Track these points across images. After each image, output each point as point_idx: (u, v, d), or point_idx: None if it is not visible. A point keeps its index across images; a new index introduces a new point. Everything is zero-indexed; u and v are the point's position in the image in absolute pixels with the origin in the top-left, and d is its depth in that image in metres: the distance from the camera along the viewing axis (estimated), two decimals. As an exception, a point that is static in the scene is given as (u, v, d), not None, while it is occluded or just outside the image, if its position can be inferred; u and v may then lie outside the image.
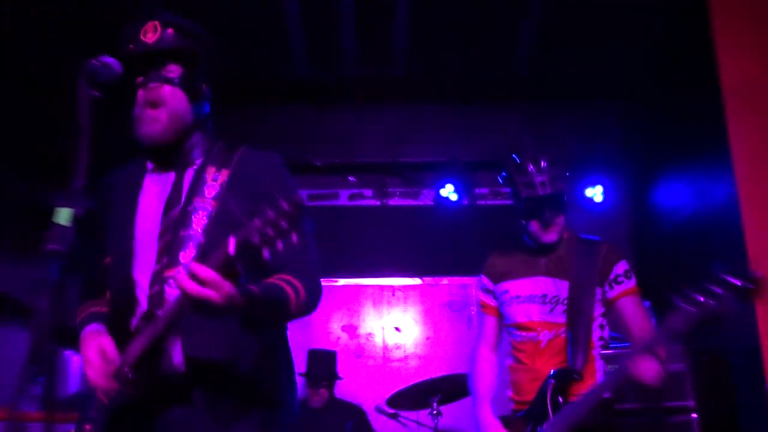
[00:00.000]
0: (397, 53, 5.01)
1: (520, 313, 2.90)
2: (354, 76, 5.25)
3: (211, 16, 4.43)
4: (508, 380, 2.99)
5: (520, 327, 2.89)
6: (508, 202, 5.49)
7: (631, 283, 2.87)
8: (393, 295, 6.34)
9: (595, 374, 2.82)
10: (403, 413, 4.76)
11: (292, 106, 5.45)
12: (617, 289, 2.86)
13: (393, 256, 5.91)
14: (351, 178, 5.44)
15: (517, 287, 2.93)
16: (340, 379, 5.17)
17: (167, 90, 1.99)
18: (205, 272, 1.58)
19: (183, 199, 2.00)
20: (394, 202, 5.59)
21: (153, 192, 2.04)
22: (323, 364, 5.08)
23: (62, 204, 1.67)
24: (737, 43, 3.77)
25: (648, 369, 2.49)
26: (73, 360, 6.00)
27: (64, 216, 1.65)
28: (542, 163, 2.87)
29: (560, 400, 2.71)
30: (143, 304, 1.92)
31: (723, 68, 3.73)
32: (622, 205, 5.57)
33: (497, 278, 3.01)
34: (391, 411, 4.70)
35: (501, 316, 3.02)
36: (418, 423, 4.75)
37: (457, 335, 6.12)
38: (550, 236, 2.88)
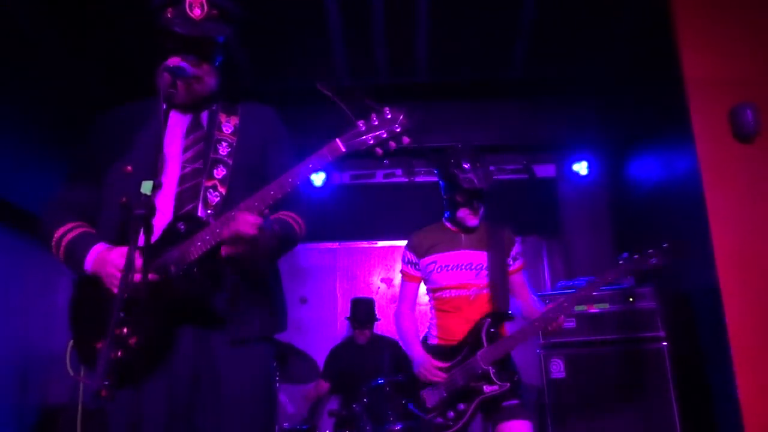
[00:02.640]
0: (419, 63, 4.89)
1: (451, 278, 2.88)
2: (386, 82, 5.14)
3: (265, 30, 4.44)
4: (434, 326, 2.97)
5: (452, 288, 2.88)
6: (509, 176, 5.45)
7: (521, 262, 3.01)
8: (420, 253, 6.28)
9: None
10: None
11: (337, 107, 5.38)
12: (515, 265, 2.98)
13: (419, 221, 5.84)
14: (385, 161, 5.36)
15: (444, 258, 2.91)
16: (379, 320, 5.13)
17: (206, 68, 1.91)
18: (255, 219, 1.63)
19: (205, 130, 1.93)
20: (419, 179, 5.50)
21: (175, 124, 1.92)
22: (364, 309, 5.03)
23: (146, 177, 1.62)
24: (697, 39, 3.60)
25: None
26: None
27: (147, 187, 1.59)
28: (477, 163, 2.88)
29: (493, 331, 2.75)
30: (168, 203, 1.79)
31: (685, 60, 3.57)
32: (603, 176, 5.43)
33: (423, 253, 2.97)
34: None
35: (422, 282, 3.03)
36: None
37: (472, 284, 6.05)
38: (474, 221, 2.90)
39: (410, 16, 4.32)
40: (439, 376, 2.76)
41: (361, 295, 5.61)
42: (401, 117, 1.68)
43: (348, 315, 5.10)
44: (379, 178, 5.45)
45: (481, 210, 2.93)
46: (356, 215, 5.77)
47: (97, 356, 1.65)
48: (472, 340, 2.77)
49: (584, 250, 5.27)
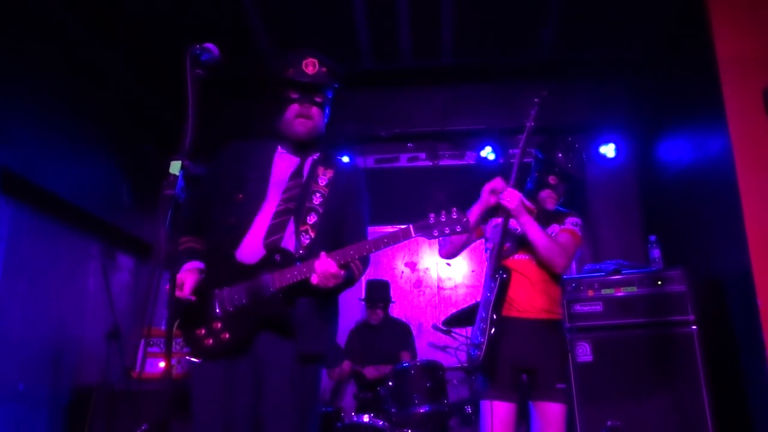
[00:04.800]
0: (444, 45, 4.83)
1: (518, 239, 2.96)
2: (410, 65, 5.10)
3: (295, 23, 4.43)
4: None
5: (519, 249, 2.94)
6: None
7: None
8: (445, 237, 6.27)
9: None
10: (455, 330, 4.72)
11: (363, 90, 5.36)
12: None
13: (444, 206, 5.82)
14: (409, 145, 5.36)
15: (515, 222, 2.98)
16: (393, 302, 5.12)
17: (315, 111, 2.33)
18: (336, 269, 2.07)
19: (305, 179, 2.34)
20: (443, 162, 5.47)
21: (282, 164, 2.36)
22: (378, 290, 5.02)
23: (175, 158, 1.64)
24: (729, 17, 3.51)
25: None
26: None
27: (175, 167, 1.62)
28: (577, 155, 3.06)
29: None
30: (261, 230, 2.20)
31: (717, 39, 3.48)
32: (631, 159, 5.31)
33: (493, 212, 3.02)
34: (445, 328, 4.65)
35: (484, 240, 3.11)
36: (466, 337, 4.68)
37: (496, 269, 6.02)
38: (552, 206, 2.98)
39: (435, -4, 4.28)
40: None
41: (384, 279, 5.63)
42: (464, 220, 2.07)
43: (362, 296, 5.10)
44: (403, 161, 5.43)
45: (561, 199, 3.02)
46: (380, 199, 5.72)
47: (197, 342, 2.14)
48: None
49: (611, 233, 5.19)
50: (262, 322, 2.13)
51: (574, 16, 4.43)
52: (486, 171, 5.53)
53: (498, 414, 2.72)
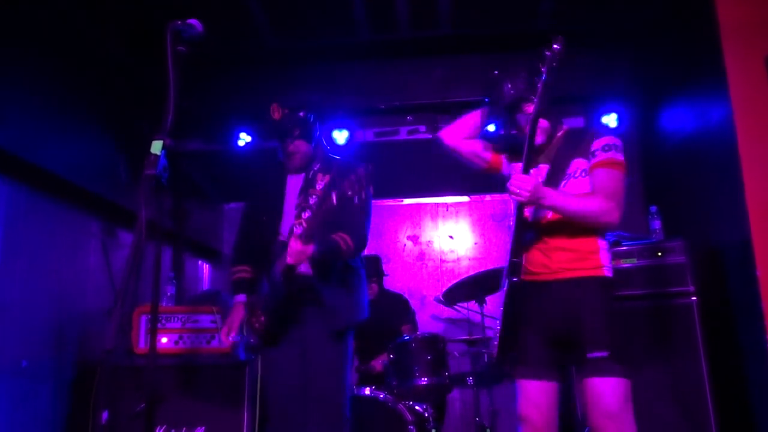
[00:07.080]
0: (442, 15, 4.75)
1: None
2: (408, 37, 5.01)
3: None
4: None
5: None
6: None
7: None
8: (447, 210, 6.28)
9: None
10: (457, 305, 4.72)
11: (360, 62, 5.29)
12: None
13: (446, 178, 5.78)
14: (408, 118, 5.30)
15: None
16: (386, 275, 5.11)
17: (298, 143, 2.98)
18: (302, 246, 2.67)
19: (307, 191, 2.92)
20: (444, 135, 5.42)
21: (292, 184, 3.04)
22: (370, 265, 4.81)
23: (156, 137, 1.63)
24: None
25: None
26: (203, 266, 6.11)
27: (157, 146, 1.62)
28: (517, 77, 2.69)
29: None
30: (283, 237, 2.95)
31: (719, 5, 3.42)
32: (633, 128, 5.22)
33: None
34: (445, 300, 4.66)
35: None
36: (468, 309, 4.70)
37: (499, 241, 6.05)
38: (544, 137, 2.61)
39: (432, -35, 4.20)
40: None
41: (388, 253, 5.64)
42: None
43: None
44: (403, 135, 5.37)
45: (547, 125, 2.58)
46: (381, 173, 5.69)
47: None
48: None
49: (613, 204, 5.15)
50: (289, 307, 2.86)
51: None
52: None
53: (530, 394, 2.39)
